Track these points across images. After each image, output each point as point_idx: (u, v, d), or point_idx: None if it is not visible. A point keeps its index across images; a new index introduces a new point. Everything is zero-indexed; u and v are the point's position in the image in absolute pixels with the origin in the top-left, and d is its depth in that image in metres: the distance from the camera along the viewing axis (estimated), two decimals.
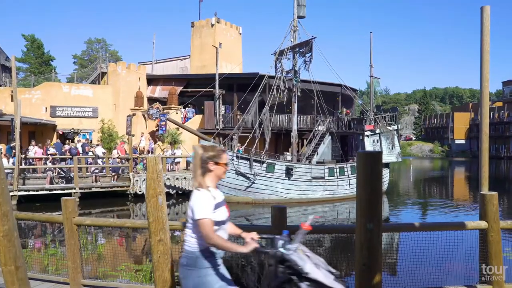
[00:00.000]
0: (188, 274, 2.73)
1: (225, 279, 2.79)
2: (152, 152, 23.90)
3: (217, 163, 2.84)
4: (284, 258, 2.59)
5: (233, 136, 21.53)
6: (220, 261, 2.82)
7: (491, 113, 68.69)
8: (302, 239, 2.83)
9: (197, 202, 2.71)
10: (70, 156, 19.71)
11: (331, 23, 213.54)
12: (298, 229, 2.92)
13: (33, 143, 20.65)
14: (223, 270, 2.82)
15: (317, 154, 23.29)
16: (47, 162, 19.49)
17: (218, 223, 2.76)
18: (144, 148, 23.55)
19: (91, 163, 20.53)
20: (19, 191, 17.02)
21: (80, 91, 27.37)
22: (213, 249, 2.74)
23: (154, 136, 27.28)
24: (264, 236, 2.94)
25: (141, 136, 24.38)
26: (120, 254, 9.57)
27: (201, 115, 28.34)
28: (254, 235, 2.92)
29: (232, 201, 18.97)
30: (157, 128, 27.13)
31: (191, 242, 2.77)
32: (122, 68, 28.60)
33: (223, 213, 2.82)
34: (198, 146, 2.95)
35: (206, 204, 2.70)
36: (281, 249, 2.63)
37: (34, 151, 20.07)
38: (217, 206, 2.78)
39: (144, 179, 18.67)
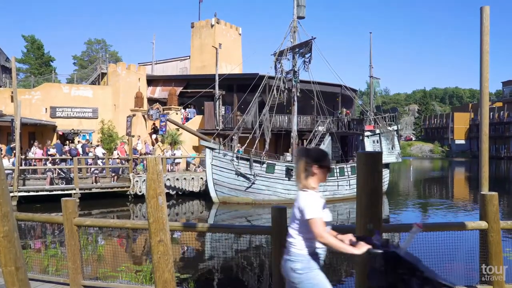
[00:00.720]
0: (303, 278, 2.76)
1: (326, 280, 2.86)
2: (150, 154, 23.88)
3: (320, 166, 2.86)
4: (399, 258, 2.58)
5: (233, 137, 21.52)
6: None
7: (491, 113, 68.70)
8: (414, 238, 2.86)
9: (307, 202, 2.76)
10: (70, 157, 19.71)
11: (331, 23, 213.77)
12: (410, 228, 2.93)
13: (35, 144, 20.65)
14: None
15: None
16: (47, 163, 19.48)
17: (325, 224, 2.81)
18: (140, 151, 23.53)
19: (91, 164, 20.52)
20: (19, 192, 17.02)
21: (80, 92, 27.37)
22: (319, 250, 2.80)
23: (151, 137, 27.27)
24: (359, 236, 2.96)
25: (138, 139, 24.38)
26: (120, 254, 9.58)
27: (201, 116, 28.35)
28: (351, 236, 2.91)
29: (232, 202, 18.98)
30: (152, 130, 27.13)
31: (300, 245, 2.80)
32: (122, 68, 28.61)
33: (328, 215, 2.86)
34: (302, 150, 2.98)
35: (316, 203, 2.75)
36: (395, 250, 2.64)
37: (34, 151, 20.07)
38: (324, 207, 2.84)
39: (144, 180, 18.68)
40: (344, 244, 2.66)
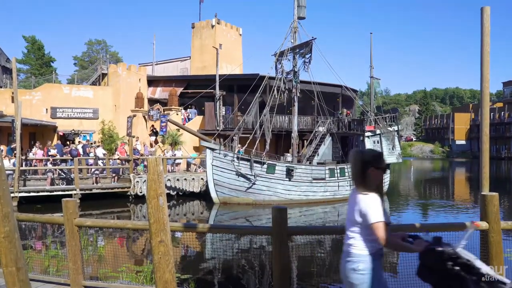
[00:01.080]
0: (365, 279, 2.78)
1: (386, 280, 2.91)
2: (150, 155, 23.88)
3: (377, 168, 2.87)
4: (456, 255, 2.65)
5: (234, 137, 21.53)
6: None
7: (492, 113, 68.67)
8: (470, 236, 2.89)
9: (370, 206, 2.76)
10: (71, 157, 19.72)
11: (331, 24, 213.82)
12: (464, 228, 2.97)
13: (37, 144, 20.67)
14: None
15: (318, 155, 23.29)
16: (48, 163, 19.49)
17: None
18: (140, 152, 23.51)
19: (91, 165, 20.54)
20: (19, 192, 17.02)
21: (81, 92, 27.40)
22: (380, 251, 2.83)
23: (152, 139, 27.28)
24: (410, 234, 3.00)
25: (136, 141, 24.38)
26: (121, 255, 9.57)
27: (201, 116, 28.36)
28: (402, 234, 2.97)
29: (233, 202, 18.98)
30: (151, 131, 27.13)
31: (361, 246, 2.82)
32: (123, 69, 28.63)
33: (386, 216, 2.88)
34: (357, 152, 2.99)
35: (378, 207, 2.77)
36: (453, 247, 2.70)
37: (35, 152, 20.08)
38: (383, 208, 2.88)
39: (145, 180, 18.68)
40: (405, 244, 2.77)
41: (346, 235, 2.93)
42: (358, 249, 2.82)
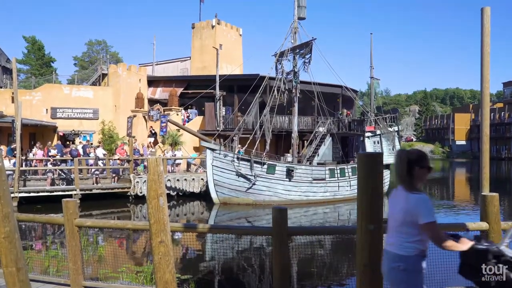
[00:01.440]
0: (407, 278, 2.80)
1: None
2: (150, 155, 23.86)
3: (422, 167, 2.91)
4: (500, 253, 2.70)
5: (234, 138, 21.53)
6: None
7: (492, 114, 68.65)
8: None
9: (422, 206, 2.78)
10: (71, 158, 19.72)
11: (331, 24, 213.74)
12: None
13: (37, 145, 20.66)
14: None
15: (318, 155, 23.30)
16: (48, 163, 19.49)
17: None
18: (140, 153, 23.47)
19: (91, 165, 20.54)
20: (19, 192, 17.02)
21: (81, 93, 27.40)
22: (425, 251, 2.85)
23: (150, 140, 27.23)
24: (451, 233, 3.04)
25: (134, 142, 24.32)
26: (121, 255, 9.58)
27: (201, 117, 28.37)
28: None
29: (233, 203, 18.98)
30: (149, 133, 27.11)
31: (407, 246, 2.83)
32: (123, 69, 28.63)
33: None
34: (402, 152, 3.01)
35: (430, 207, 2.79)
36: (496, 245, 2.75)
37: (35, 152, 20.08)
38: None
39: (145, 181, 18.68)
40: (456, 243, 2.79)
41: (390, 234, 2.95)
42: (404, 249, 2.83)
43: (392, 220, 2.96)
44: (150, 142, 26.43)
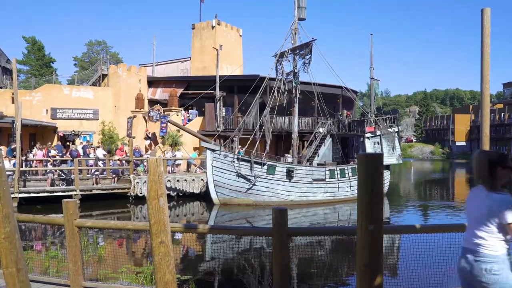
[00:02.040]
0: (498, 279, 2.80)
1: None
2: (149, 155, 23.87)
3: (504, 167, 2.93)
4: None
5: (234, 138, 21.54)
6: None
7: (492, 115, 68.62)
8: None
9: (508, 206, 2.79)
10: (71, 158, 19.73)
11: (331, 24, 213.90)
12: None
13: (37, 145, 20.66)
14: None
15: (318, 156, 23.30)
16: (48, 164, 19.49)
17: None
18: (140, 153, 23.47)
19: (91, 165, 20.54)
20: (20, 193, 17.03)
21: (81, 93, 27.42)
22: (509, 251, 2.87)
23: (146, 143, 27.22)
24: None
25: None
26: (121, 256, 9.57)
27: (201, 117, 28.37)
28: None
29: (233, 203, 18.98)
30: (146, 135, 27.10)
31: (494, 246, 2.84)
32: (123, 70, 28.65)
33: None
34: (483, 153, 3.06)
35: None
36: None
37: (35, 153, 20.08)
38: None
39: (145, 181, 18.68)
40: None
41: (473, 234, 2.95)
42: (491, 249, 2.84)
43: (472, 220, 2.99)
44: (147, 145, 26.45)
